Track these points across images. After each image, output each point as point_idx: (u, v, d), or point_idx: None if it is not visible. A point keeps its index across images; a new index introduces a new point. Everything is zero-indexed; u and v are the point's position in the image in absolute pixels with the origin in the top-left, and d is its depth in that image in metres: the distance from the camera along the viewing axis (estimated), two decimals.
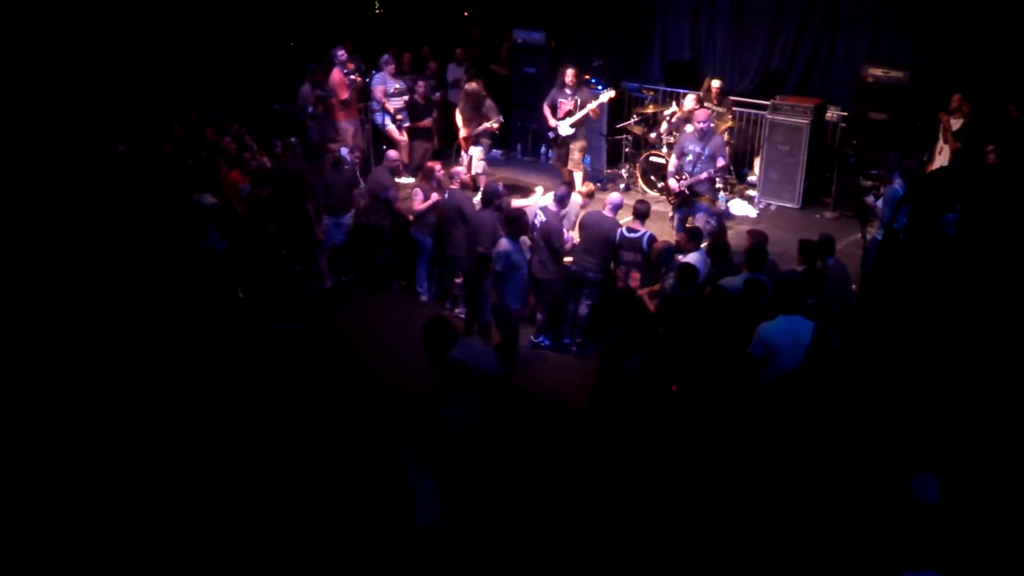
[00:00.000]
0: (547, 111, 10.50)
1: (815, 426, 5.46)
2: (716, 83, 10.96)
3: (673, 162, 9.12)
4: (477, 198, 8.88)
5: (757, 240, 7.27)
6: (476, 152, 10.57)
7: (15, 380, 7.13)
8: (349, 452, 6.70)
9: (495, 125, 10.54)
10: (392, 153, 9.84)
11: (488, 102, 10.59)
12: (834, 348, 5.62)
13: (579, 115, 10.29)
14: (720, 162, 8.89)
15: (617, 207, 8.02)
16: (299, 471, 6.44)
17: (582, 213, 8.53)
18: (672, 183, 9.08)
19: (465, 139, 10.66)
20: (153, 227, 8.63)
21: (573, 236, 8.41)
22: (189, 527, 5.83)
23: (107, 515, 5.92)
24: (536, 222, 8.17)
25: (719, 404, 5.80)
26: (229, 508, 6.01)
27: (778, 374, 5.77)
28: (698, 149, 8.84)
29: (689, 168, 8.86)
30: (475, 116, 10.47)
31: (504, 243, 7.46)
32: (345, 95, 10.64)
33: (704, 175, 8.75)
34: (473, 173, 10.39)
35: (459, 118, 10.65)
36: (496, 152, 12.43)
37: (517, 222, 7.56)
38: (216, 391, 7.40)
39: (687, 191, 8.91)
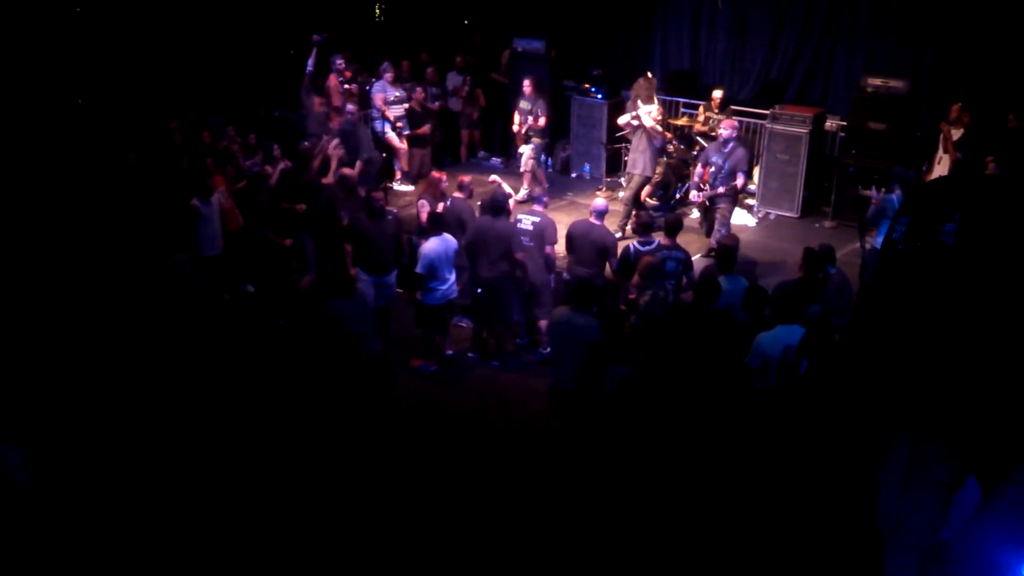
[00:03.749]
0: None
1: (809, 434, 5.44)
2: (717, 93, 11.02)
3: (698, 171, 9.37)
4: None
5: (726, 243, 7.54)
6: (526, 150, 10.86)
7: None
8: (338, 454, 6.69)
9: (541, 122, 10.81)
10: (346, 171, 9.32)
11: (540, 101, 10.94)
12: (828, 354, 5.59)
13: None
14: (740, 178, 9.09)
15: (602, 213, 7.95)
16: (286, 471, 6.42)
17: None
18: (693, 193, 9.46)
19: (519, 135, 11.05)
20: (139, 231, 8.73)
21: (557, 249, 8.30)
22: (182, 527, 5.81)
23: (92, 514, 5.89)
24: (523, 227, 8.09)
25: (716, 412, 5.78)
26: (219, 510, 5.99)
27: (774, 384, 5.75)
28: (720, 161, 9.09)
29: (712, 179, 9.10)
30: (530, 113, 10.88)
31: None
32: (338, 102, 10.68)
33: (721, 189, 9.01)
34: (521, 170, 10.89)
35: (516, 116, 11.09)
36: (495, 160, 12.46)
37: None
38: (205, 392, 7.39)
39: (708, 202, 9.22)
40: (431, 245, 7.63)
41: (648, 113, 9.74)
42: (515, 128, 11.16)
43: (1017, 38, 9.91)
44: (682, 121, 11.26)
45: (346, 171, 9.25)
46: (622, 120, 10.32)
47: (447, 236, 7.76)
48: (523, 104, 11.10)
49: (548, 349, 7.59)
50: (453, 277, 7.86)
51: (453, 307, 8.22)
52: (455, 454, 6.77)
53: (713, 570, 5.29)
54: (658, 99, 10.41)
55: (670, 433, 5.69)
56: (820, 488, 5.25)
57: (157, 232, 8.88)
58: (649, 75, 10.47)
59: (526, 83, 11.11)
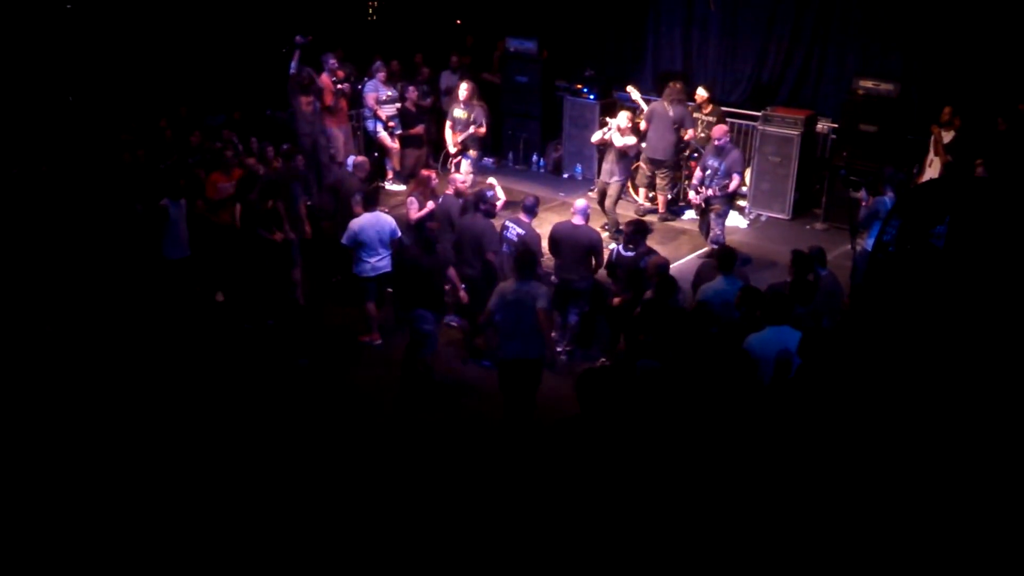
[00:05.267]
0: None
1: (803, 433, 5.44)
2: (701, 91, 11.06)
3: (697, 175, 9.55)
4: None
5: (726, 247, 7.58)
6: (465, 164, 10.44)
7: None
8: (326, 457, 6.67)
9: (482, 131, 10.40)
10: (360, 159, 9.35)
11: (478, 109, 10.50)
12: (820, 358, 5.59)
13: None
14: (735, 179, 9.21)
15: (585, 214, 7.92)
16: (283, 472, 6.41)
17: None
18: (692, 195, 9.65)
19: (454, 152, 10.53)
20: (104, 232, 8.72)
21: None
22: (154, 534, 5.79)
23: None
24: (509, 235, 8.06)
25: (717, 407, 5.77)
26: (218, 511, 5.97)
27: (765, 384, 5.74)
28: (716, 164, 9.23)
29: (708, 182, 9.27)
30: (466, 125, 10.40)
31: None
32: (330, 101, 10.63)
33: (713, 190, 9.17)
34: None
35: (448, 132, 10.49)
36: (487, 160, 12.43)
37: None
38: (189, 396, 7.37)
39: (703, 204, 9.39)
40: (359, 220, 8.10)
41: (618, 127, 9.78)
42: (449, 146, 10.43)
43: (1007, 41, 9.96)
44: None
45: (361, 159, 9.25)
46: (595, 139, 10.39)
47: (381, 215, 8.21)
48: (457, 113, 10.46)
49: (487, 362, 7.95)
50: (386, 253, 8.16)
51: (384, 281, 8.39)
52: (446, 453, 6.77)
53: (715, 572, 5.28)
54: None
55: (681, 430, 5.68)
56: (816, 495, 5.24)
57: (138, 230, 8.83)
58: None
59: (464, 87, 10.48)
